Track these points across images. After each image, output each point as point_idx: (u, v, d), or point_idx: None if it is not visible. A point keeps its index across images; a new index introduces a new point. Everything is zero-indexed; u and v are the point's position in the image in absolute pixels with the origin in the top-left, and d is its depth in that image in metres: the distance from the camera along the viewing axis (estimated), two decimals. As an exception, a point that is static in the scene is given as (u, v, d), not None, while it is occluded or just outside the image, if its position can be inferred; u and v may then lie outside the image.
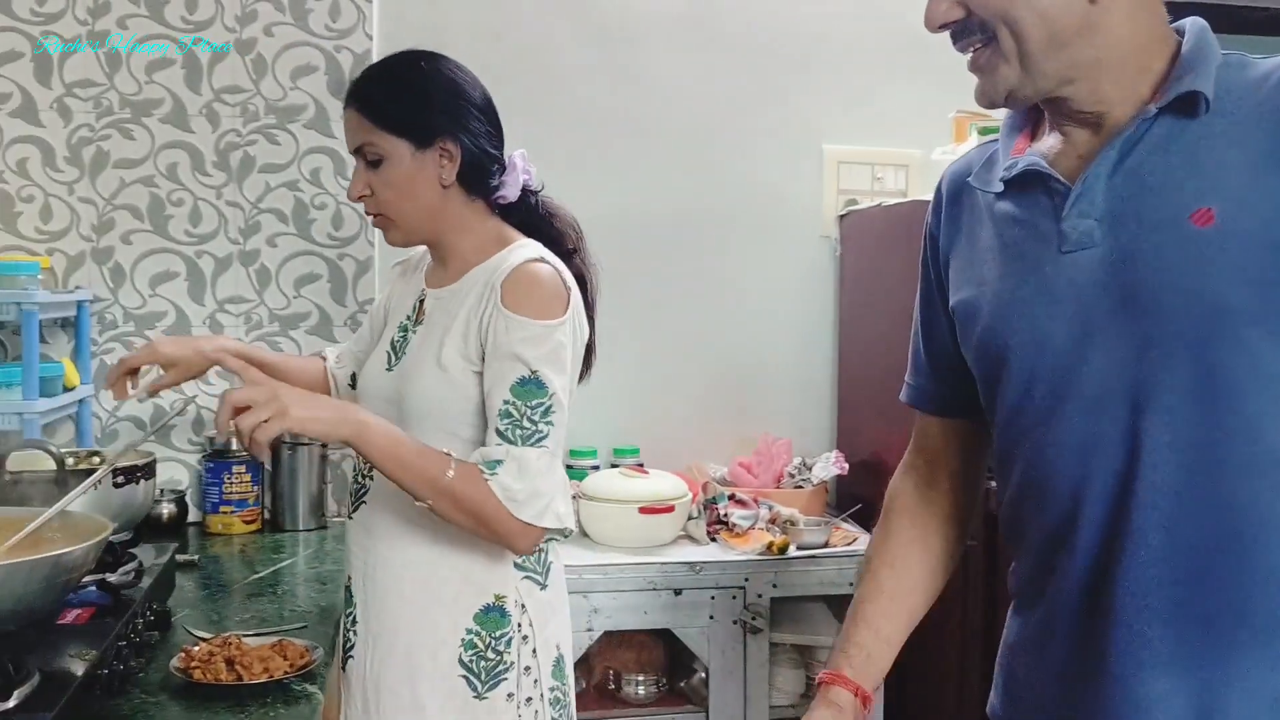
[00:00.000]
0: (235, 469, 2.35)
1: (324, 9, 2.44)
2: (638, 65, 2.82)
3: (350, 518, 1.65)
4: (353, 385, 1.78)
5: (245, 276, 2.44)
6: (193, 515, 2.40)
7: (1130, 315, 1.00)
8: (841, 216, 2.91)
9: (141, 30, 2.37)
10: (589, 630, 2.35)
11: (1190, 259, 0.97)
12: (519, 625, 1.53)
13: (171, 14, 2.37)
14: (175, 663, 1.47)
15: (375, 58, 2.47)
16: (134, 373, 1.70)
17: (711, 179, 2.87)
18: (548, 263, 1.53)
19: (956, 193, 1.19)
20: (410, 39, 2.63)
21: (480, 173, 1.59)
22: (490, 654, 1.52)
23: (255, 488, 2.38)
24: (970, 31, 1.03)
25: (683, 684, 2.57)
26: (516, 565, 1.55)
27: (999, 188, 1.10)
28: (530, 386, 1.45)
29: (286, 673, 1.46)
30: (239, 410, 1.30)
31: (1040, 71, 1.02)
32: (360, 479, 1.63)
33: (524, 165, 1.65)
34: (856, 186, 2.92)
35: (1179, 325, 0.98)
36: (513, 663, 1.53)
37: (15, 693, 1.16)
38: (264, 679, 1.43)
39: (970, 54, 1.05)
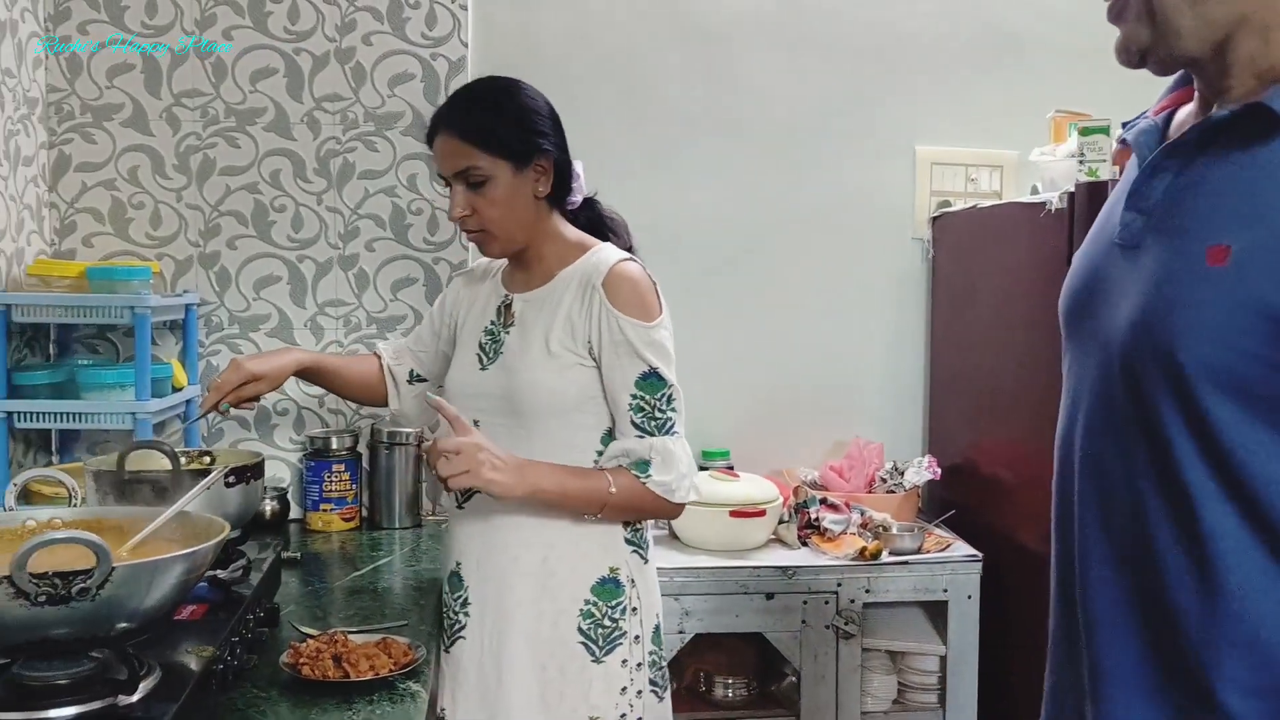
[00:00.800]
0: (335, 468, 2.40)
1: (420, 17, 2.48)
2: (728, 67, 2.82)
3: (460, 508, 1.75)
4: (410, 381, 1.97)
5: (344, 280, 2.50)
6: (293, 512, 2.47)
7: (1128, 336, 0.90)
8: (934, 218, 2.88)
9: (246, 41, 2.43)
10: (680, 632, 2.36)
11: (1187, 299, 0.84)
12: (630, 598, 1.68)
13: (275, 24, 2.44)
14: (284, 658, 1.51)
15: (470, 65, 2.51)
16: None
17: (802, 180, 2.86)
18: (635, 261, 1.69)
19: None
20: (503, 44, 2.69)
21: (564, 183, 1.74)
22: (607, 622, 1.67)
23: (354, 486, 2.43)
24: None
25: (773, 688, 2.56)
26: (626, 540, 1.70)
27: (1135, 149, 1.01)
28: (652, 380, 1.64)
29: (392, 670, 1.49)
30: (444, 453, 1.54)
31: (1173, 28, 0.88)
32: None
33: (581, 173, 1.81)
34: (950, 188, 2.88)
35: (1148, 368, 0.86)
36: (626, 631, 1.68)
37: (140, 685, 1.21)
38: (370, 676, 1.47)
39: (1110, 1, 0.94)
